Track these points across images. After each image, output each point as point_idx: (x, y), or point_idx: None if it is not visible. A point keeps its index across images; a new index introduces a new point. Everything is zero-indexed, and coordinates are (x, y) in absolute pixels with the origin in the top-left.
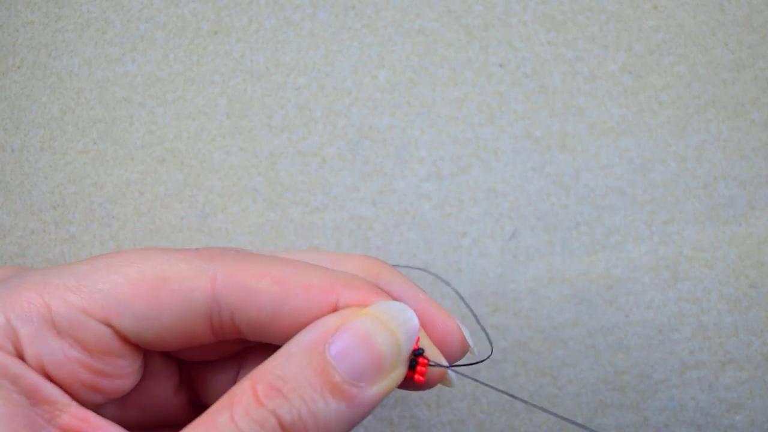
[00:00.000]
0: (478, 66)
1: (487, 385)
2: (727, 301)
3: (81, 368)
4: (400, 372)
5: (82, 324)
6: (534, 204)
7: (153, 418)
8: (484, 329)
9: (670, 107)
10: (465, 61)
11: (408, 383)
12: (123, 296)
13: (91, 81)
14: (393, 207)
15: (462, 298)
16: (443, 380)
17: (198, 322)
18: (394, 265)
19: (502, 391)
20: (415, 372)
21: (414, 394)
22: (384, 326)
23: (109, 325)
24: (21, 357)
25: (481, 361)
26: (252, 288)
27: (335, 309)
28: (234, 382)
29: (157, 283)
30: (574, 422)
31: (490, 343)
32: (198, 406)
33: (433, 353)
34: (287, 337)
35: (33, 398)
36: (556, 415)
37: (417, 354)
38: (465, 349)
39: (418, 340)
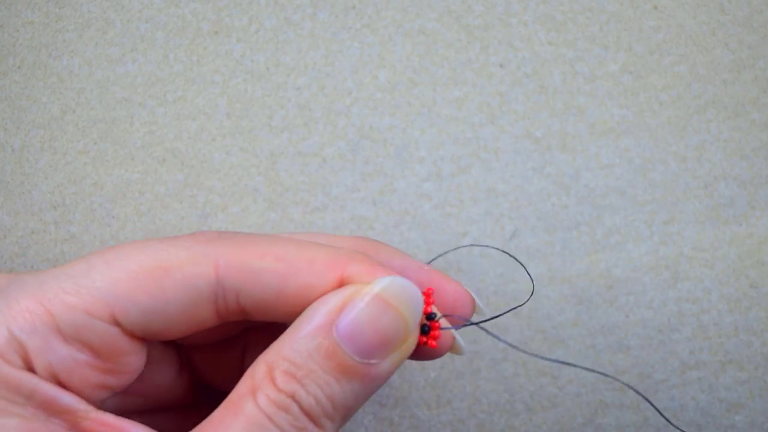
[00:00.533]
0: (479, 66)
1: (500, 339)
2: (727, 301)
3: (91, 371)
4: (411, 341)
5: (87, 326)
6: (534, 204)
7: (155, 403)
8: (528, 274)
9: (671, 107)
10: (465, 61)
11: (421, 351)
12: (126, 292)
13: (91, 81)
14: (393, 207)
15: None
16: (453, 348)
17: (203, 307)
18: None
19: (520, 349)
20: (429, 337)
21: (414, 394)
22: (387, 305)
23: (116, 324)
24: (31, 369)
25: (519, 307)
26: (255, 267)
27: (341, 284)
28: (238, 362)
29: (159, 273)
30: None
31: (532, 282)
32: (200, 387)
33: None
34: (293, 314)
35: (51, 410)
36: (576, 365)
37: (430, 318)
38: (476, 311)
39: (431, 304)
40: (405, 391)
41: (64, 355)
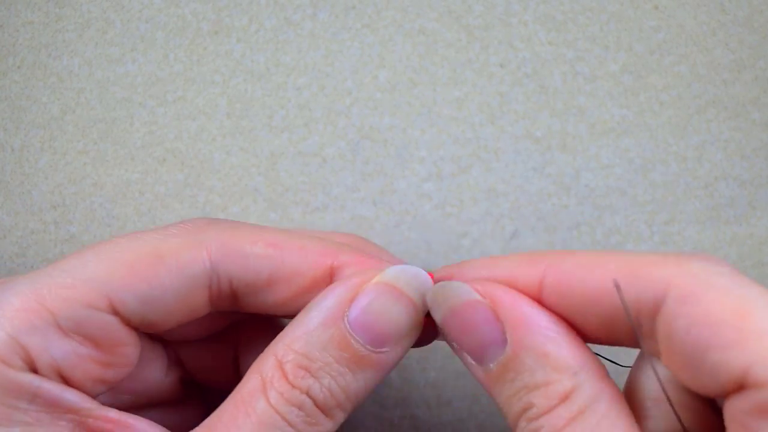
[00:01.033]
0: (479, 66)
1: None
2: None
3: (92, 364)
4: (419, 328)
5: (87, 319)
6: (534, 204)
7: (144, 400)
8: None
9: (671, 107)
10: (465, 61)
11: (427, 333)
12: (123, 281)
13: (91, 81)
14: (393, 207)
15: None
16: None
17: (198, 293)
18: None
19: None
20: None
21: (415, 394)
22: (400, 293)
23: (115, 313)
24: (33, 369)
25: None
26: (248, 252)
27: (331, 272)
28: (227, 358)
29: (154, 260)
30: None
31: None
32: (188, 384)
33: None
34: (284, 301)
35: (56, 410)
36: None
37: None
38: None
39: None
40: (405, 391)
41: (66, 350)
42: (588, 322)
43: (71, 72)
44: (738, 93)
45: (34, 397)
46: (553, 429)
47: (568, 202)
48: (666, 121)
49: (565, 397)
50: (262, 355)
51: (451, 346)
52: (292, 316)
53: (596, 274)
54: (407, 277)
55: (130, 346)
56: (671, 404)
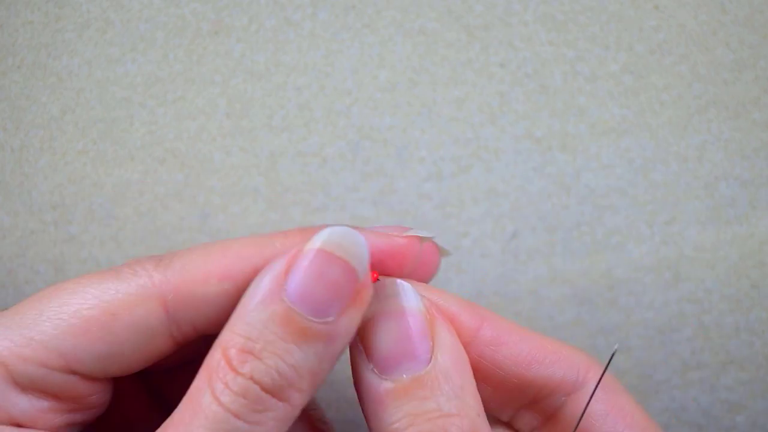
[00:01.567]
0: (479, 66)
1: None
2: (728, 302)
3: (54, 414)
4: (366, 293)
5: (44, 378)
6: (535, 204)
7: (133, 430)
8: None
9: (671, 107)
10: (465, 61)
11: (414, 273)
12: (79, 341)
13: (91, 81)
14: (394, 207)
15: None
16: (441, 251)
17: (159, 340)
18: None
19: None
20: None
21: None
22: (331, 257)
23: (72, 372)
24: None
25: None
26: (202, 295)
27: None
28: None
29: (108, 319)
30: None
31: None
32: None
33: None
34: None
35: None
36: None
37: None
38: (442, 253)
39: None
40: None
41: (25, 405)
42: (503, 382)
43: (71, 72)
44: (739, 93)
45: None
46: None
47: (569, 202)
48: (666, 121)
49: None
50: (211, 347)
51: (354, 349)
52: None
53: (532, 342)
54: (336, 238)
55: (94, 395)
56: None
